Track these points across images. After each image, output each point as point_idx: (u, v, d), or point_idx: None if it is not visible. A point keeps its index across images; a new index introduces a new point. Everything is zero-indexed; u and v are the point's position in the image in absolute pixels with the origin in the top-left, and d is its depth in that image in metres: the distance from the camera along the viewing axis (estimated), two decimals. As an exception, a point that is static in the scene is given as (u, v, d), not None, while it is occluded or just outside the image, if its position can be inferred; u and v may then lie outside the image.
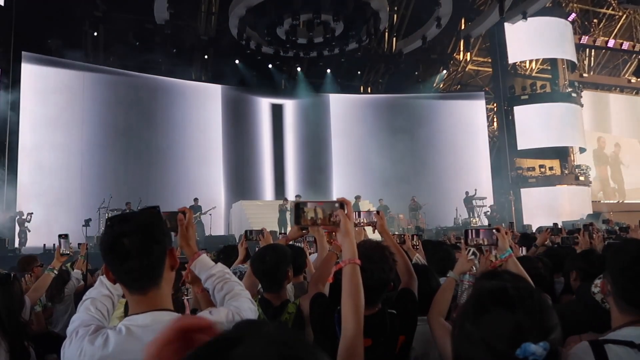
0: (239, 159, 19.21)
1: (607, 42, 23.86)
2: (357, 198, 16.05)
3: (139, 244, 1.30)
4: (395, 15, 20.47)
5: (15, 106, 14.69)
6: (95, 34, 17.83)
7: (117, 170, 16.32)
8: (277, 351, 0.61)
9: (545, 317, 1.01)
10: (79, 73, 16.38)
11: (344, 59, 19.92)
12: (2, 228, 13.20)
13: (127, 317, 1.34)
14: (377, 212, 2.52)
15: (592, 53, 25.46)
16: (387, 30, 20.52)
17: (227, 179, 19.00)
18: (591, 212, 18.60)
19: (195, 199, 15.41)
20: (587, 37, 23.40)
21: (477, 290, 1.11)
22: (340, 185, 19.56)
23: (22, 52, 15.12)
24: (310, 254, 3.66)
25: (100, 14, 17.52)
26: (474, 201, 18.04)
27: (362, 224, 2.61)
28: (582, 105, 21.28)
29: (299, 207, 1.51)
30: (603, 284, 1.66)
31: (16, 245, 13.10)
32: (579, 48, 23.54)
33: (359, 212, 2.52)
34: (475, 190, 18.00)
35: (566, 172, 20.50)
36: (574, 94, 20.96)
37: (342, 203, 1.50)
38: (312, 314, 2.07)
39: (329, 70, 20.92)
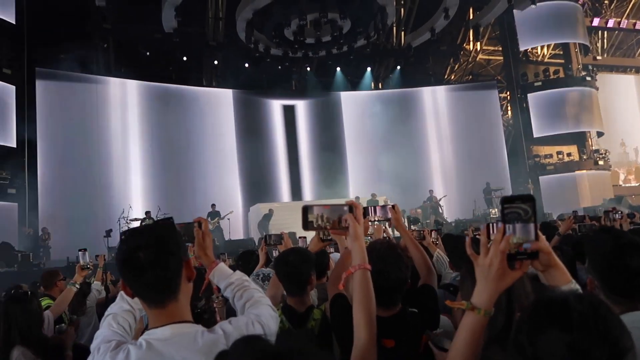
0: (254, 162, 19.27)
1: (619, 23, 23.42)
2: (373, 196, 16.02)
3: (154, 257, 1.29)
4: (402, 9, 20.35)
5: (32, 122, 14.94)
6: (106, 46, 18.03)
7: (134, 180, 16.49)
8: None
9: (610, 337, 0.87)
10: (92, 86, 16.59)
11: (352, 56, 19.86)
12: (25, 243, 13.42)
13: (146, 332, 1.34)
14: (393, 206, 2.46)
15: (605, 35, 25.01)
16: (394, 25, 20.40)
17: (243, 182, 19.07)
18: (613, 197, 18.28)
19: (213, 205, 15.51)
20: (598, 19, 23.00)
21: (535, 301, 0.99)
22: (357, 182, 19.51)
23: (36, 69, 15.35)
24: (330, 252, 3.64)
25: (109, 27, 17.70)
26: (492, 192, 17.85)
27: (377, 220, 2.56)
28: (597, 89, 20.93)
29: (306, 212, 1.47)
30: (590, 280, 1.65)
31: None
32: (591, 31, 23.15)
33: (375, 208, 2.46)
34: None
35: (584, 157, 20.18)
36: (588, 78, 20.63)
37: (351, 206, 1.47)
38: (332, 316, 2.05)
39: (338, 68, 20.90)
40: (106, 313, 1.53)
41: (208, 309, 2.74)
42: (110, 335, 1.41)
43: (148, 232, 1.34)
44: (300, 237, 3.44)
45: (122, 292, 1.54)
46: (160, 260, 1.30)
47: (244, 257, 3.80)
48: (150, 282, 1.31)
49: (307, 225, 1.45)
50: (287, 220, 15.19)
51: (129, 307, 1.54)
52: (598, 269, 1.61)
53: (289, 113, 20.28)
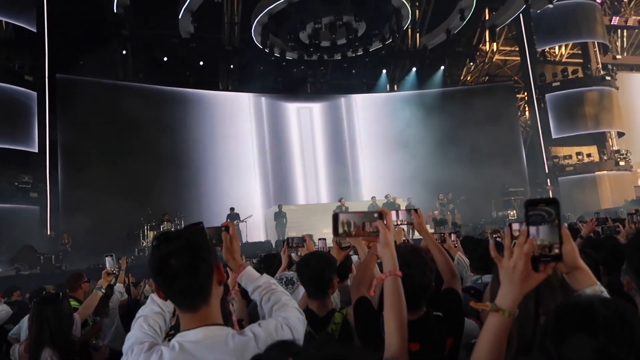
0: (271, 165, 19.38)
1: (639, 21, 23.05)
2: (387, 197, 16.03)
3: (186, 264, 1.32)
4: (417, 11, 20.29)
5: (53, 128, 15.22)
6: (124, 52, 18.29)
7: (153, 182, 16.65)
8: None
9: (637, 342, 0.87)
10: (111, 91, 16.85)
11: (368, 58, 19.87)
12: (47, 245, 13.66)
13: (179, 334, 1.37)
14: (415, 210, 2.47)
15: (625, 34, 24.63)
16: (410, 27, 20.36)
17: (261, 185, 19.18)
18: (634, 198, 17.96)
19: (232, 208, 15.63)
20: (617, 17, 22.68)
21: (560, 305, 1.00)
22: (372, 184, 19.46)
23: (56, 75, 15.64)
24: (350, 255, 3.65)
25: (127, 33, 17.96)
26: (510, 193, 17.68)
27: (400, 223, 2.56)
28: (617, 88, 20.61)
29: (336, 219, 1.49)
30: (627, 281, 1.63)
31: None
32: (610, 29, 22.82)
33: (397, 212, 2.47)
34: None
35: (605, 157, 19.87)
36: (607, 77, 20.32)
37: (381, 213, 1.49)
38: (356, 319, 2.05)
39: (354, 71, 20.91)
40: (137, 315, 1.56)
41: (222, 311, 2.76)
42: (142, 337, 1.44)
43: (180, 238, 1.37)
44: (320, 239, 3.44)
45: (152, 295, 1.58)
46: (192, 268, 1.33)
47: (266, 260, 3.83)
48: (183, 289, 1.34)
49: (337, 231, 1.47)
50: (303, 222, 15.26)
51: (159, 309, 1.57)
52: (635, 269, 1.59)
53: (305, 116, 20.34)
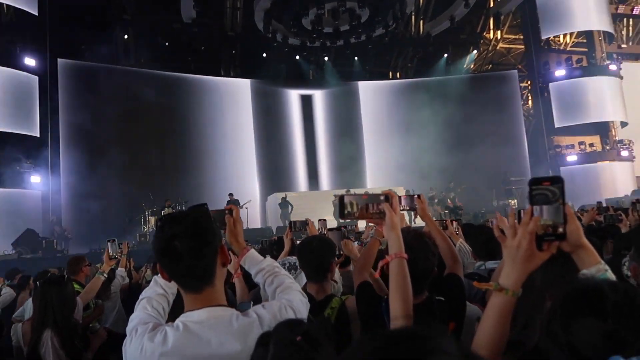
0: (272, 152, 19.36)
1: (646, 9, 22.82)
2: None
3: (191, 245, 1.32)
4: (421, -3, 20.14)
5: (54, 112, 15.19)
6: (126, 37, 18.19)
7: (154, 168, 16.66)
8: None
9: None
10: (113, 76, 16.78)
11: (371, 45, 19.73)
12: (49, 230, 13.71)
13: (183, 314, 1.37)
14: (418, 196, 2.46)
15: (630, 22, 24.40)
16: (413, 14, 20.18)
17: (261, 172, 19.18)
18: (637, 188, 17.95)
19: (230, 194, 15.60)
20: (624, 5, 22.44)
21: (568, 288, 0.99)
22: (374, 172, 19.46)
23: (58, 60, 15.57)
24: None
25: (128, 17, 17.85)
26: (511, 182, 17.67)
27: (402, 209, 2.55)
28: (621, 78, 20.46)
29: (342, 201, 1.49)
30: (634, 268, 1.63)
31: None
32: (616, 18, 22.59)
33: (400, 197, 2.46)
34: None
35: (607, 147, 19.81)
36: (612, 67, 20.17)
37: (388, 196, 1.48)
38: (359, 304, 2.06)
39: (356, 58, 20.78)
40: (141, 297, 1.57)
41: None
42: (146, 318, 1.44)
43: (184, 220, 1.36)
44: (320, 220, 3.41)
45: (156, 277, 1.59)
46: (196, 250, 1.33)
47: (279, 244, 3.85)
48: (187, 270, 1.35)
49: (342, 213, 1.47)
50: (304, 209, 15.28)
51: (162, 291, 1.57)
52: None
53: (307, 103, 20.28)
